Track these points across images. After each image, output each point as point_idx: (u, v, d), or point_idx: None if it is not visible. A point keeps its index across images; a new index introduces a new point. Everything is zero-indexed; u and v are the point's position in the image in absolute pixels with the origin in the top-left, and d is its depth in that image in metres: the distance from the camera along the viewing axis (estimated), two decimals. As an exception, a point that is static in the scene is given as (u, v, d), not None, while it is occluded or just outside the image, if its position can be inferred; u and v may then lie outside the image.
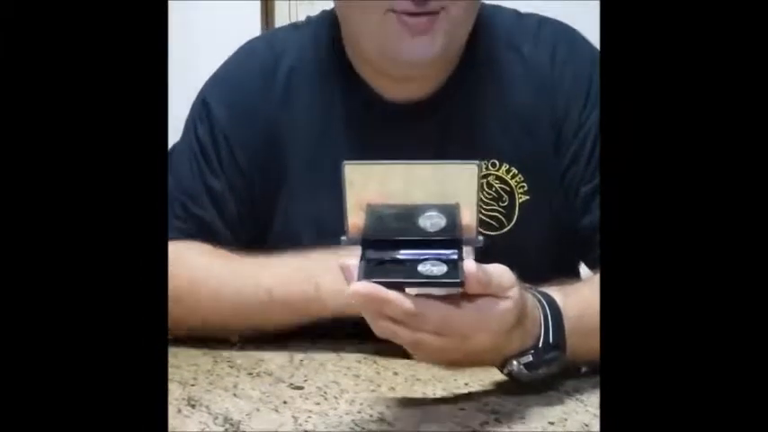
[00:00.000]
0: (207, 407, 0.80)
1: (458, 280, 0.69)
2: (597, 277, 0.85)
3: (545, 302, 0.79)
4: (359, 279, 0.69)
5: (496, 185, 0.98)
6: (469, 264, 0.69)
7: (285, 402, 0.80)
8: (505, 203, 0.99)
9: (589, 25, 0.97)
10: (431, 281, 0.69)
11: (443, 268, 0.69)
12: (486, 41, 1.01)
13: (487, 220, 0.98)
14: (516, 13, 1.04)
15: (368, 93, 1.00)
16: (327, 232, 0.97)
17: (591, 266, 1.02)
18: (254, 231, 1.03)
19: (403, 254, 0.71)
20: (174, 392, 0.83)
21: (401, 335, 0.71)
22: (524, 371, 0.78)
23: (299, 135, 1.01)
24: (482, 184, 0.97)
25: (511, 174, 0.99)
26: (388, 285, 0.69)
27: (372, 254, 0.71)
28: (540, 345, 0.78)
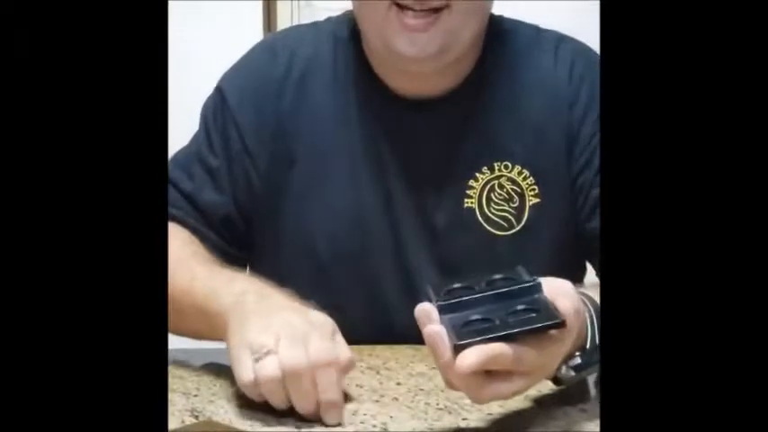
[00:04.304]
0: (209, 418, 0.80)
1: (559, 320, 0.68)
2: None
3: (590, 305, 0.79)
4: (452, 343, 0.67)
5: (508, 187, 1.00)
6: (561, 301, 0.69)
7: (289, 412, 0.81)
8: (516, 205, 1.00)
9: (589, 26, 0.99)
10: (534, 327, 0.68)
11: (533, 313, 0.69)
12: (505, 48, 1.03)
13: (497, 220, 1.00)
14: (537, 27, 1.07)
15: (383, 88, 1.01)
16: (338, 225, 1.00)
17: (598, 269, 1.03)
18: (258, 218, 1.04)
19: (484, 310, 0.70)
20: (177, 403, 0.83)
21: (504, 390, 0.70)
22: (572, 373, 0.77)
23: (311, 126, 1.02)
24: (493, 185, 1.00)
25: (522, 176, 1.00)
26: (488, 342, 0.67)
27: (453, 317, 0.70)
28: (588, 346, 0.77)
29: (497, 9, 1.04)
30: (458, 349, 0.67)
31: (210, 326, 0.87)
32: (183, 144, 1.07)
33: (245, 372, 0.78)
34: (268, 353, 0.77)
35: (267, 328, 0.79)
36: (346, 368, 0.80)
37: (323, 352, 0.78)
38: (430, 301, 0.71)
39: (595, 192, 1.00)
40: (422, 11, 0.92)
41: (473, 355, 0.66)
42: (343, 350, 0.80)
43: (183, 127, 1.06)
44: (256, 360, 0.77)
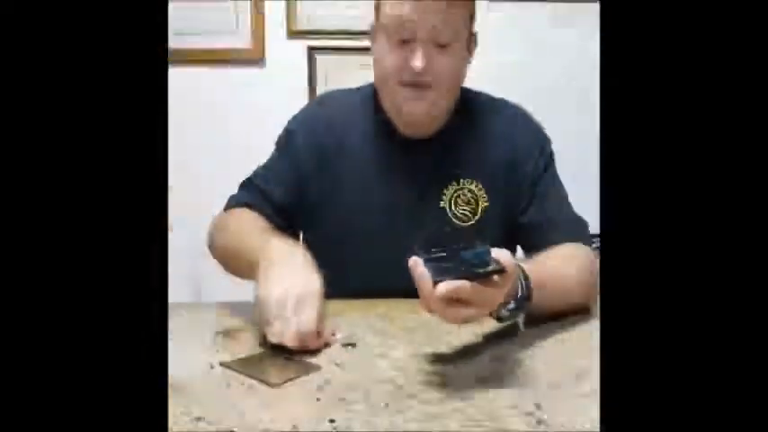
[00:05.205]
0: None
1: (500, 268, 1.00)
2: (549, 252, 1.29)
3: (519, 268, 1.15)
4: (433, 279, 0.96)
5: (468, 194, 1.47)
6: (503, 258, 1.00)
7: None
8: (473, 206, 1.47)
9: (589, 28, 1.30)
10: (485, 271, 0.99)
11: (485, 265, 0.99)
12: (470, 107, 1.51)
13: (460, 215, 1.47)
14: (490, 96, 1.54)
15: (393, 131, 1.49)
16: (360, 219, 1.50)
17: (526, 250, 1.49)
18: (305, 214, 1.50)
19: (454, 263, 0.99)
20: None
21: (465, 314, 1.00)
22: (508, 313, 1.12)
23: (343, 158, 1.49)
24: (459, 193, 1.46)
25: (478, 188, 1.47)
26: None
27: (433, 266, 0.99)
28: (519, 296, 1.14)
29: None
30: (436, 284, 0.97)
31: (252, 271, 1.20)
32: (183, 145, 1.36)
33: (264, 325, 1.11)
34: (277, 317, 1.09)
35: (279, 289, 1.11)
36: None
37: (312, 322, 1.10)
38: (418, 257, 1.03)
39: (528, 203, 1.45)
40: (416, 87, 1.36)
41: (445, 287, 0.99)
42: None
43: (183, 128, 1.32)
44: (270, 320, 1.10)
